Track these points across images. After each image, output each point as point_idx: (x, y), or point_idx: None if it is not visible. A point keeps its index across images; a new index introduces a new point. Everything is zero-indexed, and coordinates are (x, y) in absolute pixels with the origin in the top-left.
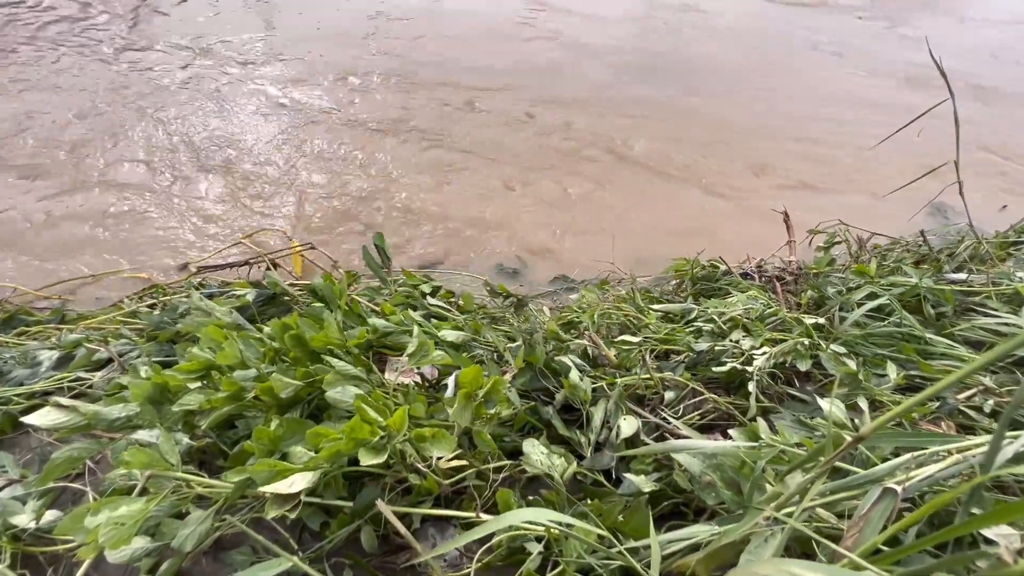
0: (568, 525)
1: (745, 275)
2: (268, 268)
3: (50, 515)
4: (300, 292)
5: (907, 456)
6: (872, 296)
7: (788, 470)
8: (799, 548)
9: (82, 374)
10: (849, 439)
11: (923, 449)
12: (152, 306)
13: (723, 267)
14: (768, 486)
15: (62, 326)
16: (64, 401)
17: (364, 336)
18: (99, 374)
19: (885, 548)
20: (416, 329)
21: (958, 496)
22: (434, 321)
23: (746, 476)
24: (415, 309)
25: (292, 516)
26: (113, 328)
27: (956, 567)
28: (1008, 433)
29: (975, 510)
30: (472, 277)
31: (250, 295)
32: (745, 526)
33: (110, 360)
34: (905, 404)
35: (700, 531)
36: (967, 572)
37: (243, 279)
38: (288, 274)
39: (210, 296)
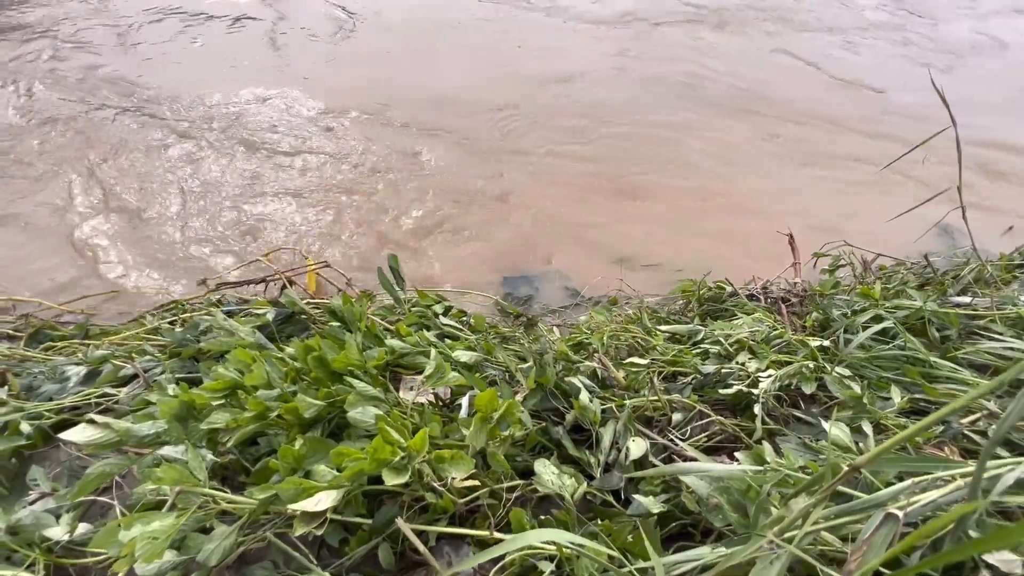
0: (580, 545)
1: (751, 296)
2: (285, 286)
3: (81, 528)
4: (316, 311)
5: (910, 481)
6: (877, 319)
7: (791, 495)
8: (804, 571)
9: (108, 390)
10: (846, 467)
11: (926, 474)
12: (173, 322)
13: (729, 288)
14: (773, 509)
15: (87, 342)
16: (98, 418)
17: (383, 357)
18: (124, 390)
19: (887, 572)
20: (433, 351)
21: (950, 522)
22: (447, 341)
23: (752, 499)
24: (428, 329)
25: (319, 533)
26: (136, 344)
27: None
28: (1010, 460)
29: (974, 533)
30: (484, 296)
31: (270, 314)
32: (749, 549)
33: (135, 376)
34: (907, 432)
35: (707, 553)
36: None
37: (259, 295)
38: (303, 291)
39: (229, 313)
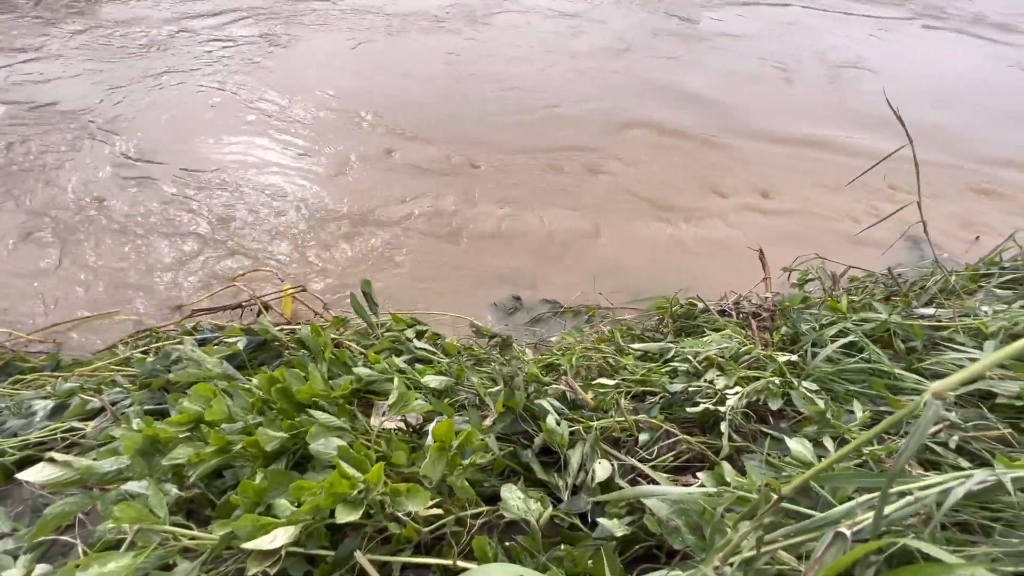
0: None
1: (723, 312)
2: (260, 312)
3: (40, 568)
4: (289, 338)
5: (864, 497)
6: (844, 332)
7: (737, 519)
8: None
9: (76, 424)
10: (776, 496)
11: (879, 489)
12: (146, 351)
13: (701, 305)
14: (729, 530)
15: (57, 374)
16: (58, 456)
17: (348, 387)
18: (92, 423)
19: None
20: (396, 380)
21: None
22: (419, 366)
23: (707, 521)
24: (400, 353)
25: (272, 572)
26: (107, 375)
27: None
28: (960, 474)
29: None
30: (459, 317)
31: (241, 343)
32: (698, 573)
33: (103, 408)
34: (834, 457)
35: None
36: None
37: (235, 321)
38: (280, 316)
39: (203, 342)
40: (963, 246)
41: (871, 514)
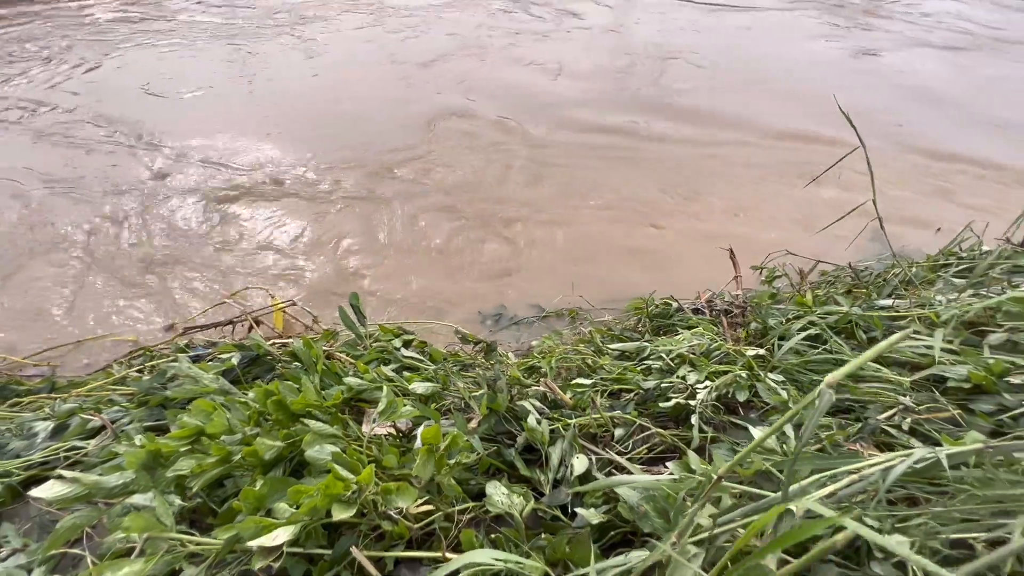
0: (519, 562)
1: (696, 311)
2: (251, 327)
3: None
4: (282, 352)
5: (814, 477)
6: (809, 325)
7: (695, 500)
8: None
9: (77, 443)
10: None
11: (833, 470)
12: (141, 370)
13: (675, 304)
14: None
15: (54, 395)
16: (67, 473)
17: (339, 396)
18: (93, 442)
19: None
20: (385, 388)
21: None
22: (406, 374)
23: (672, 505)
24: (388, 363)
25: (276, 566)
26: (104, 395)
27: None
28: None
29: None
30: (444, 326)
31: (235, 358)
32: (656, 552)
33: (103, 427)
34: (756, 441)
35: (633, 557)
36: None
37: (228, 337)
38: (271, 330)
39: (196, 359)
40: (927, 236)
41: (821, 491)
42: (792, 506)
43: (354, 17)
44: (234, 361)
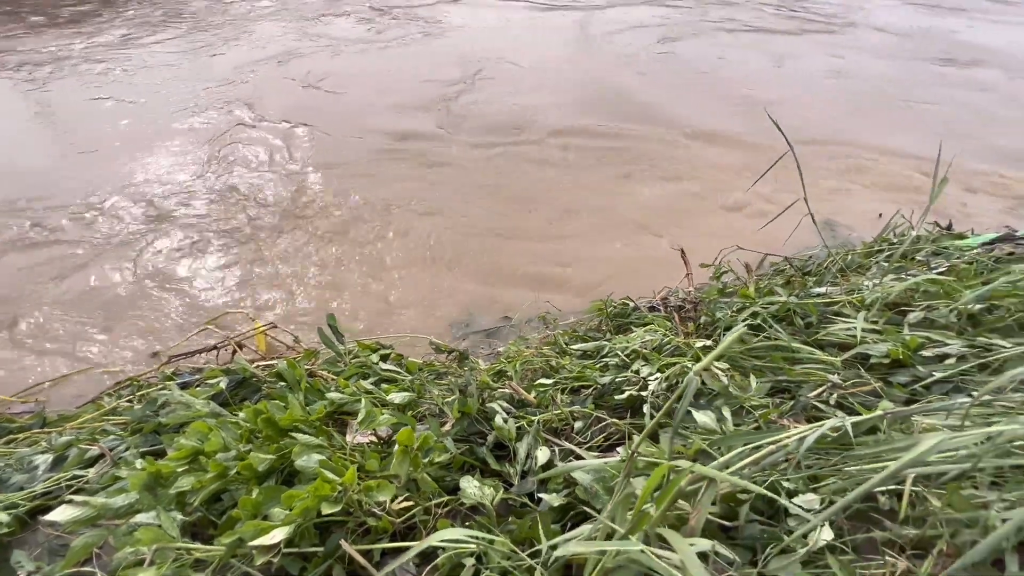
0: (489, 539)
1: (652, 308)
2: (235, 351)
3: None
4: (267, 373)
5: (739, 450)
6: (754, 315)
7: (631, 476)
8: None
9: (77, 472)
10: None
11: (758, 443)
12: (131, 399)
13: (632, 304)
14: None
15: (47, 430)
16: (77, 498)
17: (323, 411)
18: (93, 470)
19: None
20: (364, 400)
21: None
22: (384, 386)
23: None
24: (367, 377)
25: (275, 562)
26: (98, 426)
27: None
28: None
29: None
30: (418, 337)
31: (223, 383)
32: (595, 523)
33: (101, 455)
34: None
35: (584, 531)
36: None
37: (212, 362)
38: (255, 352)
39: (185, 385)
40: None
41: (744, 462)
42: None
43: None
44: (222, 385)
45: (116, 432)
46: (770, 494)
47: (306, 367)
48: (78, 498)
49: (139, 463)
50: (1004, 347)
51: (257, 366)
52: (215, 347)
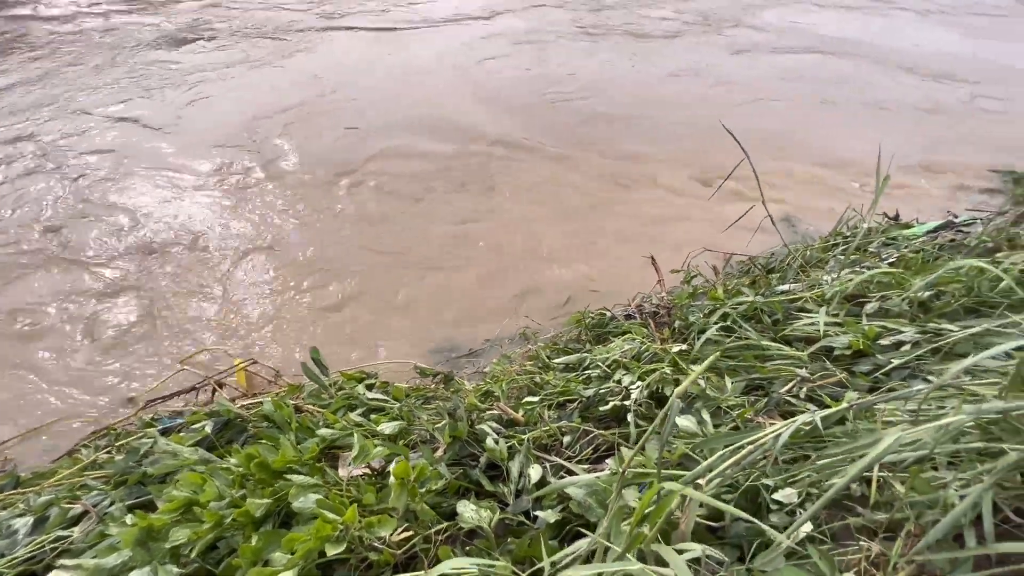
0: (490, 565)
1: (628, 316)
2: (215, 391)
3: None
4: (252, 412)
5: (720, 453)
6: (724, 316)
7: (617, 490)
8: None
9: (61, 532)
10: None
11: (737, 444)
12: (109, 449)
13: (609, 313)
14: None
15: (23, 490)
16: (67, 562)
17: (315, 449)
18: (77, 529)
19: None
20: (356, 435)
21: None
22: (373, 416)
23: (609, 495)
24: (354, 408)
25: None
26: (76, 481)
27: None
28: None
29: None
30: (402, 363)
31: (208, 427)
32: (592, 538)
33: (85, 513)
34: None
35: (582, 545)
36: None
37: (191, 404)
38: (235, 389)
39: (166, 431)
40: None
41: (725, 463)
42: (700, 480)
43: None
44: (207, 430)
45: (98, 487)
46: (735, 512)
47: (291, 401)
48: (68, 562)
49: (128, 518)
50: (952, 331)
51: (241, 406)
52: (194, 387)
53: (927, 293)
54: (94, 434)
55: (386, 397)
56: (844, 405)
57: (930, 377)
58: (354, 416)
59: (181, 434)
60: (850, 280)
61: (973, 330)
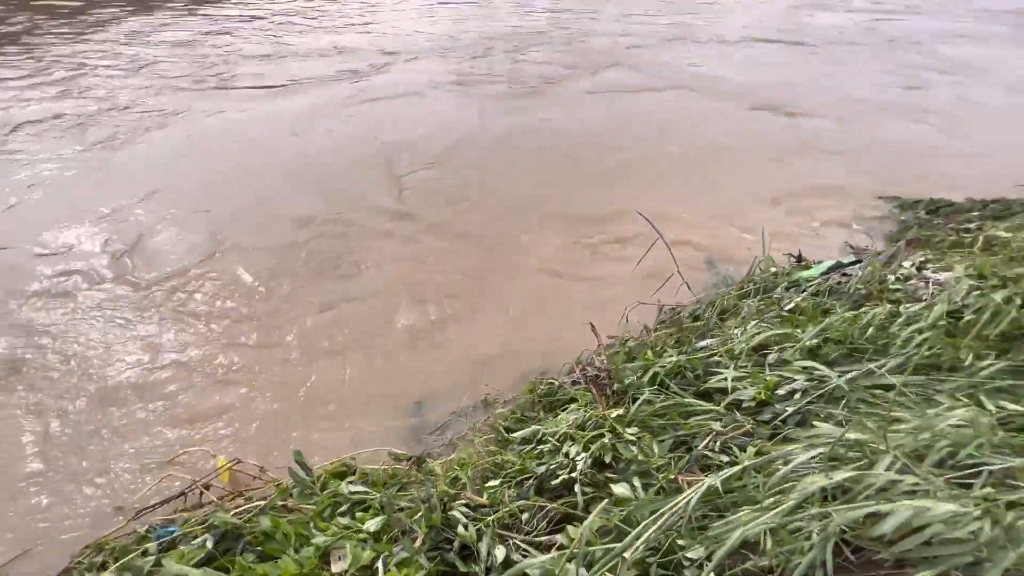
0: None
1: (575, 382)
2: (202, 493)
3: None
4: (246, 519)
5: (645, 522)
6: (653, 377)
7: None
8: None
9: None
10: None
11: (659, 510)
12: (104, 565)
13: (557, 382)
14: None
15: None
16: None
17: (314, 562)
18: None
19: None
20: (348, 545)
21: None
22: (359, 514)
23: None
24: (340, 505)
25: None
26: None
27: None
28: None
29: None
30: (377, 450)
31: (209, 541)
32: None
33: None
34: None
35: None
36: None
37: (180, 509)
38: (219, 488)
39: (163, 547)
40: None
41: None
42: (626, 555)
43: None
44: (208, 544)
45: None
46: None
47: (281, 503)
48: None
49: None
50: (832, 378)
51: (235, 514)
52: (183, 493)
53: (814, 341)
54: (86, 549)
55: (367, 489)
56: (740, 466)
57: (815, 423)
58: (342, 521)
59: (181, 548)
60: (757, 333)
61: (848, 376)
